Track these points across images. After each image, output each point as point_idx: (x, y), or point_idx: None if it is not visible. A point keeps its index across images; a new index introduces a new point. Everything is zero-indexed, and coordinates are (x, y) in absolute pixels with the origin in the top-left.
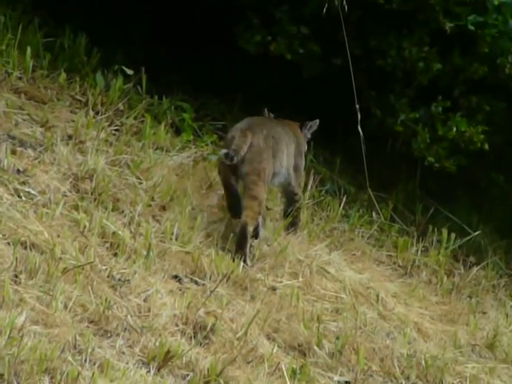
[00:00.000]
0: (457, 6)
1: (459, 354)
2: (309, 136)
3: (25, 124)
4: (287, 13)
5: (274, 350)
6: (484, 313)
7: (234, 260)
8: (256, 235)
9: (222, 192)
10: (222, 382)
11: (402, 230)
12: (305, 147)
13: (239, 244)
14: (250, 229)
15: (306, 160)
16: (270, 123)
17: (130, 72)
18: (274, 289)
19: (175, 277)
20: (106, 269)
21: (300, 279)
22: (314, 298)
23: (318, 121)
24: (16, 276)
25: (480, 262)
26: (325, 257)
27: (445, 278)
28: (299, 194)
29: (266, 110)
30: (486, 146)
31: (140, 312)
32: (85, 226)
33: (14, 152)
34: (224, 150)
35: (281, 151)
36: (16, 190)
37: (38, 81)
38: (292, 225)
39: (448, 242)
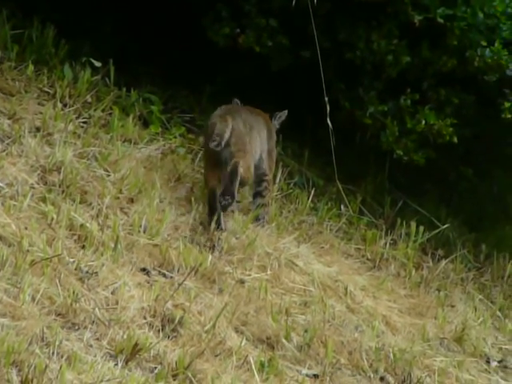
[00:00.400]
0: None
1: (427, 348)
2: (277, 126)
3: None
4: (256, 5)
5: (243, 343)
6: (452, 306)
7: (201, 252)
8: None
9: (190, 185)
10: (189, 375)
11: (371, 223)
12: (275, 137)
13: (229, 185)
14: (241, 170)
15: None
16: (243, 110)
17: (97, 64)
18: (242, 282)
19: (143, 269)
20: (74, 261)
21: (268, 272)
22: (283, 291)
23: (286, 111)
24: None
25: (448, 256)
26: (293, 250)
27: (413, 271)
28: (269, 177)
29: (235, 100)
30: (455, 139)
31: (108, 305)
32: (52, 219)
33: None
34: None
35: (254, 137)
36: None
37: (5, 73)
38: (260, 217)
39: (416, 235)
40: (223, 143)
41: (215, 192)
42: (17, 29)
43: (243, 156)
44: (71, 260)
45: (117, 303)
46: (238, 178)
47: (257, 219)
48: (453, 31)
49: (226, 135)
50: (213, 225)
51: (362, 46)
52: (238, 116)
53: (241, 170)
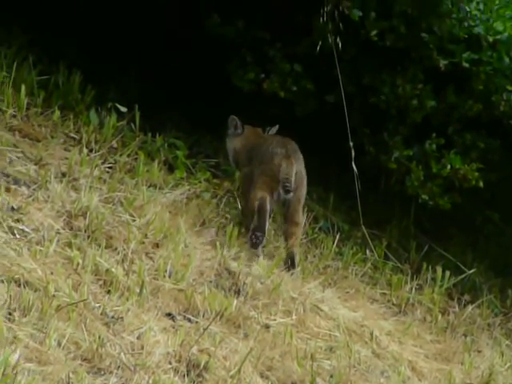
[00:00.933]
0: (451, 43)
1: None
2: None
3: (19, 162)
4: (280, 50)
5: None
6: (479, 351)
7: (226, 297)
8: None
9: (215, 229)
10: None
11: (396, 268)
12: None
13: (292, 266)
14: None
15: None
16: (293, 145)
17: (123, 109)
18: (267, 327)
19: (168, 314)
20: (100, 306)
21: (293, 317)
22: (308, 336)
23: (277, 126)
24: (10, 314)
25: (475, 301)
26: (318, 294)
27: (439, 316)
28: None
29: (232, 116)
30: (481, 184)
31: (133, 350)
32: (78, 264)
33: (7, 190)
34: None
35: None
36: (10, 227)
37: (32, 118)
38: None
39: (442, 279)
40: (291, 191)
41: (294, 254)
42: (43, 74)
43: (296, 212)
44: (97, 305)
45: (142, 348)
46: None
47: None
48: (478, 76)
49: (293, 181)
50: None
51: (386, 91)
52: (298, 157)
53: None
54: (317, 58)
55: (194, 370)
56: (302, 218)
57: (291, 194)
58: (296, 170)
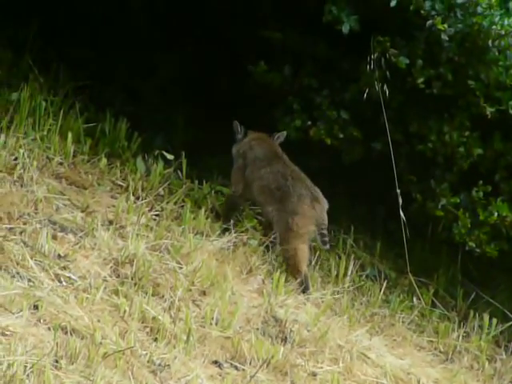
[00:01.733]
0: (497, 90)
1: None
2: None
3: (66, 209)
4: (327, 97)
5: None
6: None
7: (273, 345)
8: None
9: (262, 277)
10: None
11: (443, 316)
12: None
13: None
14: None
15: (346, 245)
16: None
17: (170, 157)
18: (314, 374)
19: (215, 362)
20: (146, 354)
21: (340, 365)
22: None
23: (285, 133)
24: (57, 361)
25: None
26: (365, 342)
27: (486, 364)
28: None
29: (236, 122)
30: None
31: None
32: (125, 311)
33: (54, 237)
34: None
35: None
36: (57, 275)
37: (78, 166)
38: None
39: (489, 327)
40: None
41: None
42: (90, 122)
43: None
44: (144, 352)
45: None
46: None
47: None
48: None
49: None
50: None
51: (433, 138)
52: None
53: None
54: (364, 105)
55: None
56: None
57: (328, 246)
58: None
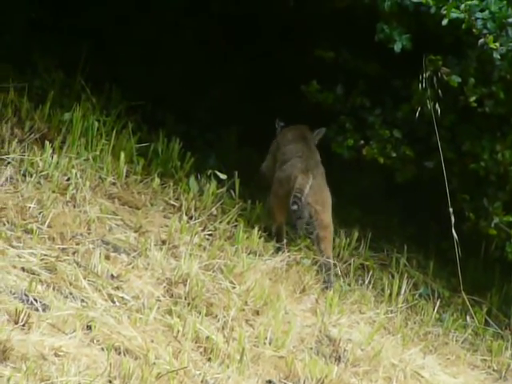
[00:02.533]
0: None
1: None
2: (316, 142)
3: (118, 229)
4: (379, 116)
5: None
6: None
7: (327, 364)
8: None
9: (315, 296)
10: None
11: (497, 334)
12: None
13: (327, 277)
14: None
15: (399, 263)
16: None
17: (223, 177)
18: None
19: (269, 382)
20: (200, 374)
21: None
22: None
23: (324, 129)
24: (110, 381)
25: None
26: (419, 361)
27: None
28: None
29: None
30: None
31: None
32: (178, 331)
33: (107, 257)
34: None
35: None
36: (110, 295)
37: (131, 186)
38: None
39: None
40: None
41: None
42: (142, 142)
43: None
44: (197, 372)
45: None
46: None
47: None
48: None
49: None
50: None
51: (486, 157)
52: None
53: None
54: (416, 124)
55: None
56: (330, 219)
57: (296, 206)
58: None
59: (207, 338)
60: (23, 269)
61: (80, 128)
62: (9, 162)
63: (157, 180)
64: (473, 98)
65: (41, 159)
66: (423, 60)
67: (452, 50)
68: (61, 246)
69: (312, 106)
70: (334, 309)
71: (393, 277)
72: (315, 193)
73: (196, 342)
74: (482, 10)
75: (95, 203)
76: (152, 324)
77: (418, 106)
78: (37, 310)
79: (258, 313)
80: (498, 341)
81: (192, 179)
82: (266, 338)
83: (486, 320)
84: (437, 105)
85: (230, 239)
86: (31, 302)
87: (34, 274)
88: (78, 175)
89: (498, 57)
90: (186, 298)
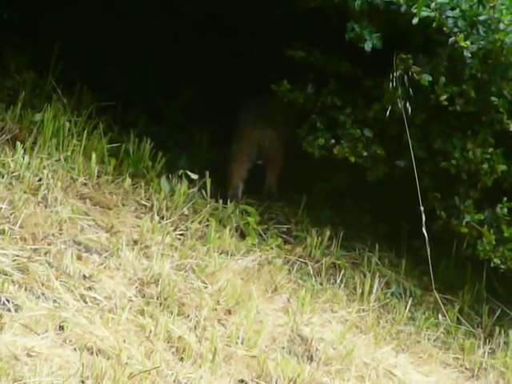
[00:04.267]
0: None
1: None
2: None
3: (90, 229)
4: (350, 115)
5: None
6: None
7: (299, 363)
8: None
9: (287, 296)
10: None
11: (469, 332)
12: None
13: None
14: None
15: (371, 262)
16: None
17: (194, 176)
18: None
19: (241, 381)
20: (172, 373)
21: (367, 382)
22: None
23: None
24: (83, 382)
25: None
26: (391, 360)
27: None
28: None
29: None
30: None
31: None
32: (150, 331)
33: (79, 257)
34: None
35: None
36: (82, 295)
37: (103, 186)
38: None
39: None
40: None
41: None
42: (113, 142)
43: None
44: (169, 372)
45: None
46: None
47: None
48: None
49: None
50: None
51: (457, 155)
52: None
53: None
54: (387, 122)
55: None
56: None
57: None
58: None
59: (179, 337)
60: None
61: (51, 128)
62: None
63: (128, 180)
64: (444, 97)
65: (12, 160)
66: (394, 59)
67: (422, 49)
68: (32, 247)
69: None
70: (306, 308)
71: (364, 276)
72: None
73: (168, 342)
74: (452, 9)
75: (67, 204)
76: (124, 324)
77: (389, 104)
78: (9, 310)
79: (230, 312)
80: (471, 339)
81: (163, 179)
82: (238, 338)
83: (458, 318)
84: (408, 103)
85: (201, 239)
86: (3, 303)
87: (5, 274)
88: (50, 176)
89: (469, 55)
90: (158, 298)
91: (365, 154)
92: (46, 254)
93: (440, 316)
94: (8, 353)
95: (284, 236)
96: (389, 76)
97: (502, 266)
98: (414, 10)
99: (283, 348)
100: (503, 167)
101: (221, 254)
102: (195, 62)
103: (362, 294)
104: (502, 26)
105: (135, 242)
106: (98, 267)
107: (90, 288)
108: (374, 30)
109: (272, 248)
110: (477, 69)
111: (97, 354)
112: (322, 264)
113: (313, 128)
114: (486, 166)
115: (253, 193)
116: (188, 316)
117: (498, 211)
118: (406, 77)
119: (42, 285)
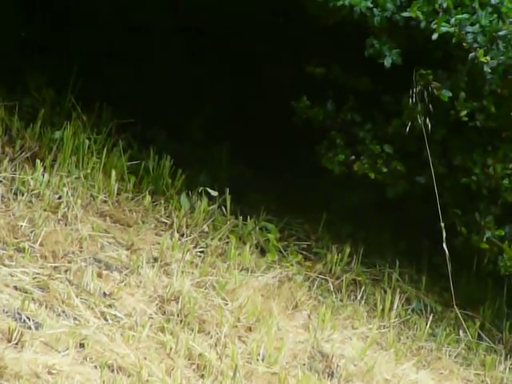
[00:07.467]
0: None
1: None
2: None
3: (110, 247)
4: (370, 132)
5: None
6: None
7: (320, 380)
8: None
9: (308, 312)
10: None
11: (490, 348)
12: None
13: None
14: None
15: (391, 279)
16: None
17: (214, 193)
18: None
19: None
20: None
21: None
22: None
23: None
24: None
25: None
26: (412, 376)
27: None
28: None
29: None
30: None
31: None
32: (171, 348)
33: (99, 275)
34: None
35: None
36: (102, 313)
37: (122, 204)
38: None
39: None
40: None
41: None
42: (133, 160)
43: None
44: None
45: None
46: None
47: None
48: None
49: None
50: None
51: (477, 171)
52: None
53: None
54: (407, 138)
55: None
56: None
57: None
58: None
59: (200, 354)
60: (16, 287)
61: (71, 146)
62: (0, 181)
63: (148, 198)
64: (464, 113)
65: (32, 178)
66: (413, 75)
67: (442, 65)
68: (53, 265)
69: (303, 122)
70: (327, 324)
71: (385, 292)
72: None
73: (189, 359)
74: (472, 24)
75: (87, 221)
76: (145, 341)
77: (409, 120)
78: (30, 328)
79: (250, 329)
80: (492, 355)
81: (183, 196)
82: (259, 355)
83: (479, 334)
84: (427, 119)
85: (221, 256)
86: (24, 321)
87: (26, 292)
88: (70, 193)
89: (489, 70)
90: (178, 315)
91: (385, 170)
92: (66, 271)
93: (461, 332)
94: (29, 371)
95: (304, 253)
96: (408, 92)
97: None
98: (434, 26)
99: (304, 365)
100: None
101: (241, 270)
102: (214, 78)
103: (383, 310)
104: None
105: (155, 260)
106: (118, 285)
107: (110, 305)
108: (393, 46)
109: (292, 265)
110: (497, 84)
111: (117, 372)
112: (342, 280)
113: (332, 144)
114: (506, 181)
115: (272, 209)
116: (209, 333)
117: None
118: (425, 92)
119: (63, 302)
